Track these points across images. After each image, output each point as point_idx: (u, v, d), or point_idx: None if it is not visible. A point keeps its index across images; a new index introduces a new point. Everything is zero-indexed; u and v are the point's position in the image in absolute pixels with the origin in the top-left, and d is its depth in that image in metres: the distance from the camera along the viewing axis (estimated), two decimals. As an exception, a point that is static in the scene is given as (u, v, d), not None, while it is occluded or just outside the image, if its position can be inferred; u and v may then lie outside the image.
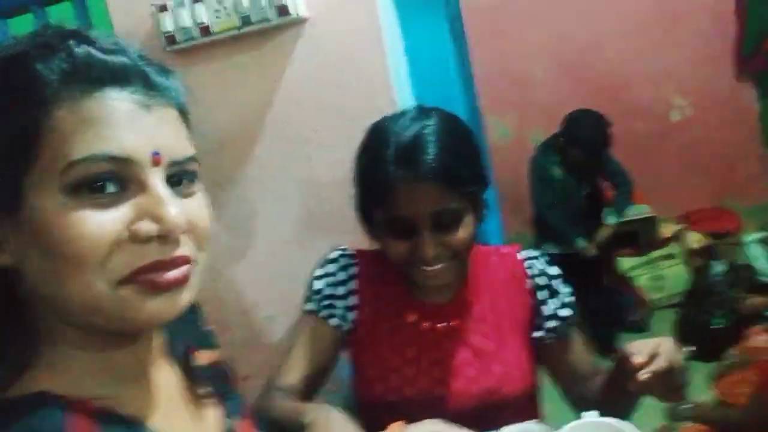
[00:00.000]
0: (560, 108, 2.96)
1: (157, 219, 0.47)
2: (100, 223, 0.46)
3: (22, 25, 1.61)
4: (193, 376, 0.62)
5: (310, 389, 1.04)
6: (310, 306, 1.05)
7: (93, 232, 0.46)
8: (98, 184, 0.46)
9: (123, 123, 0.47)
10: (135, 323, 0.50)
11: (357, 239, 1.06)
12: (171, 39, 1.28)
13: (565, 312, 1.02)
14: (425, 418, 0.91)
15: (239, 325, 1.53)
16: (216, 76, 1.33)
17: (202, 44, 1.30)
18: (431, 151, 0.87)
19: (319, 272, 1.06)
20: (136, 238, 0.47)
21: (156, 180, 0.48)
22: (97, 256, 0.46)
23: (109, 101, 0.47)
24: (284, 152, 1.39)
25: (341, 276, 1.05)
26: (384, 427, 0.80)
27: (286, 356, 1.05)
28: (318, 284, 1.05)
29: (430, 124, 0.90)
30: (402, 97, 1.25)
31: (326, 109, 1.28)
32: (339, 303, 1.04)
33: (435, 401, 0.98)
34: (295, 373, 1.03)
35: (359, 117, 1.17)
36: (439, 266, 0.91)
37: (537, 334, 1.03)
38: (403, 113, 0.94)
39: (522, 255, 1.06)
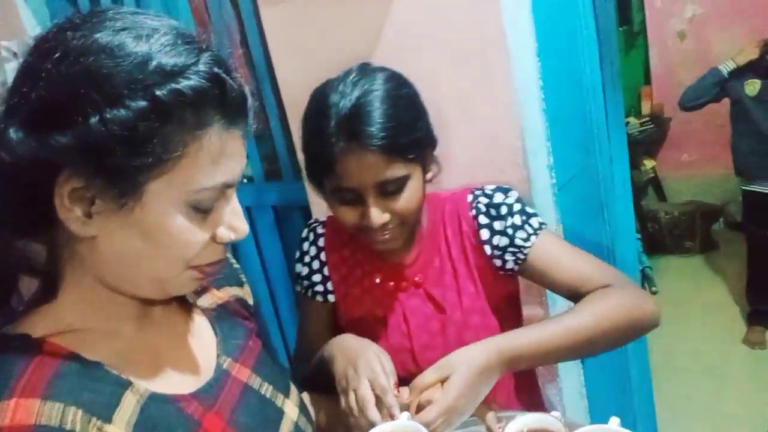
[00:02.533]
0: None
1: (234, 228, 0.59)
2: (201, 234, 0.57)
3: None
4: (193, 313, 0.72)
5: None
6: (297, 288, 1.12)
7: (196, 241, 0.57)
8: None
9: (238, 156, 0.57)
10: (177, 294, 0.63)
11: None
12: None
13: (522, 235, 0.96)
14: (402, 372, 0.95)
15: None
16: (331, 5, 1.30)
17: None
18: (373, 121, 0.85)
19: (297, 254, 1.11)
20: (216, 240, 0.59)
21: (235, 196, 0.60)
22: (190, 254, 0.57)
23: (236, 137, 0.57)
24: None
25: (312, 251, 1.09)
26: None
27: (297, 339, 1.13)
28: (297, 266, 1.10)
29: (372, 90, 0.87)
30: (517, 24, 1.17)
31: (434, 36, 1.23)
32: (316, 278, 1.08)
33: (407, 356, 1.00)
34: (308, 351, 1.07)
35: (467, 43, 1.19)
36: (389, 231, 0.91)
37: (500, 267, 1.00)
38: (345, 75, 0.90)
39: (470, 196, 1.02)
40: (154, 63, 0.51)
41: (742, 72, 2.81)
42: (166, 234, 0.55)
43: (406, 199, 0.90)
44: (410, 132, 0.89)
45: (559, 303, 1.24)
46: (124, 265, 0.57)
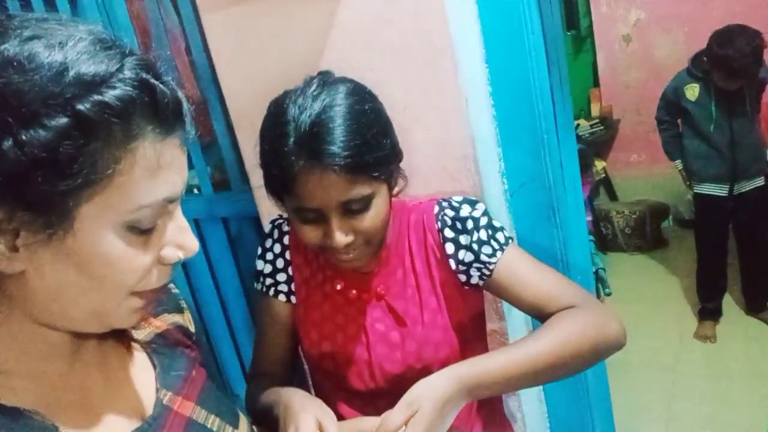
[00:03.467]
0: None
1: (181, 246, 0.54)
2: (144, 257, 0.51)
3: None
4: (131, 346, 0.66)
5: (288, 368, 1.06)
6: (258, 287, 1.07)
7: (139, 266, 0.51)
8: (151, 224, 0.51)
9: (178, 167, 0.52)
10: (120, 327, 0.56)
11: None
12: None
13: (487, 251, 0.94)
14: (359, 384, 0.98)
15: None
16: (275, 9, 1.27)
17: None
18: (335, 139, 0.79)
19: (259, 250, 1.06)
20: (162, 262, 0.53)
21: (180, 210, 0.55)
22: (134, 281, 0.52)
23: (174, 146, 0.51)
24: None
25: (277, 249, 1.05)
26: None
27: (255, 342, 1.08)
28: (259, 264, 1.06)
29: (333, 104, 0.82)
30: (464, 31, 1.16)
31: (382, 43, 1.21)
32: (280, 276, 1.04)
33: (364, 368, 0.98)
34: (267, 357, 1.05)
35: (415, 51, 1.17)
36: (353, 251, 0.88)
37: (464, 281, 0.97)
38: (305, 87, 0.85)
39: (436, 207, 0.98)
40: (71, 73, 0.45)
41: (683, 76, 2.87)
42: (105, 262, 0.49)
43: (372, 218, 0.86)
44: (375, 149, 0.83)
45: (514, 312, 1.24)
46: (60, 300, 0.50)
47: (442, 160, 1.25)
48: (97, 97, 0.45)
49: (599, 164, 4.17)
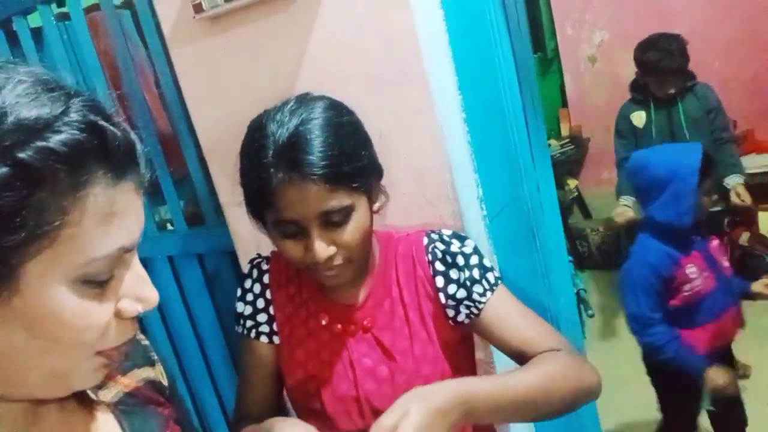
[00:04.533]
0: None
1: (141, 299, 0.50)
2: (101, 312, 0.47)
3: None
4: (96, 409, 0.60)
5: (273, 412, 1.02)
6: (239, 329, 1.04)
7: (96, 323, 0.47)
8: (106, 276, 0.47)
9: (133, 213, 0.48)
10: (81, 388, 0.52)
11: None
12: (198, 7, 1.23)
13: (478, 290, 0.94)
14: (347, 424, 0.95)
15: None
16: (244, 42, 1.26)
17: (228, 10, 1.24)
18: (313, 149, 0.81)
19: (239, 292, 1.04)
20: (119, 316, 0.49)
21: (137, 259, 0.50)
22: (91, 339, 0.47)
23: (127, 191, 0.47)
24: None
25: (257, 288, 1.03)
26: None
27: (238, 387, 1.05)
28: (239, 305, 1.04)
29: (311, 118, 0.84)
30: (436, 58, 1.17)
31: (354, 73, 1.21)
32: (261, 317, 1.02)
33: (352, 406, 0.95)
34: (251, 401, 1.02)
35: (387, 80, 1.17)
36: (336, 266, 0.87)
37: (451, 317, 0.96)
38: (283, 105, 0.87)
39: (426, 239, 0.98)
40: (10, 119, 0.41)
41: (628, 105, 2.87)
42: (57, 322, 0.44)
43: (352, 231, 0.85)
44: (353, 160, 0.84)
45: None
46: (13, 366, 0.46)
47: (420, 188, 1.24)
48: (40, 144, 0.41)
49: (572, 183, 4.23)
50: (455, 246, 0.97)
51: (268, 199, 0.83)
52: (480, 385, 0.82)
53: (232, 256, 1.45)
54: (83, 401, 0.59)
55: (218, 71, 1.28)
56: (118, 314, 0.49)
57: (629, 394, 2.77)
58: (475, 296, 0.94)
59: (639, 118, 2.82)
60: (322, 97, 0.89)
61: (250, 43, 1.26)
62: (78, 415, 0.58)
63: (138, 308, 0.50)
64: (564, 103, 4.55)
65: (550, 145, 4.15)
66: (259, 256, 1.06)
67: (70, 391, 0.51)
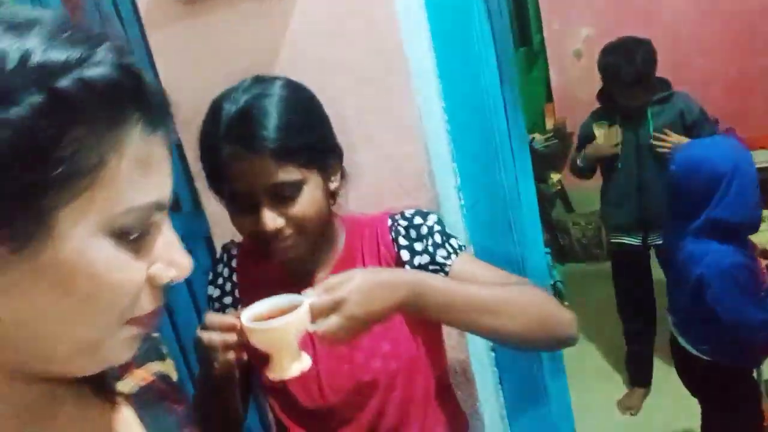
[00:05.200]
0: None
1: (173, 263, 0.46)
2: (137, 268, 0.43)
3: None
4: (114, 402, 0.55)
5: (245, 394, 1.03)
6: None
7: (133, 279, 0.43)
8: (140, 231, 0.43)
9: (166, 168, 0.45)
10: (114, 362, 0.47)
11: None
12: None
13: (442, 253, 0.95)
14: (308, 402, 0.97)
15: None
16: (223, 26, 1.25)
17: None
18: (261, 124, 0.83)
19: (210, 275, 1.06)
20: (153, 283, 0.45)
21: (169, 223, 0.47)
22: (128, 300, 0.43)
23: (161, 145, 0.44)
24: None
25: (225, 272, 1.05)
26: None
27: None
28: (210, 289, 1.06)
29: (264, 94, 0.86)
30: (417, 47, 1.17)
31: (332, 62, 1.21)
32: (227, 299, 1.04)
33: (313, 384, 0.97)
34: None
35: (367, 68, 1.16)
36: (286, 240, 0.88)
37: None
38: (241, 83, 0.90)
39: (389, 220, 1.00)
40: (44, 55, 0.38)
41: (593, 116, 2.57)
42: (92, 276, 0.40)
43: (303, 205, 0.86)
44: (303, 136, 0.86)
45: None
46: (37, 335, 0.41)
47: (397, 176, 1.24)
48: (77, 74, 0.38)
49: (555, 176, 4.24)
50: (418, 220, 0.99)
51: (220, 173, 0.86)
52: (436, 278, 0.87)
53: (208, 242, 1.44)
54: (100, 392, 0.54)
55: (195, 55, 1.26)
56: (150, 281, 0.45)
57: (598, 383, 2.81)
58: (440, 259, 0.95)
59: (601, 130, 2.48)
60: (278, 77, 0.91)
61: (227, 28, 1.25)
62: (96, 407, 0.53)
63: (171, 274, 0.46)
64: (549, 97, 4.56)
65: (534, 138, 4.16)
66: (232, 242, 1.07)
67: (102, 366, 0.47)
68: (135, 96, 0.42)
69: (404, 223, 0.99)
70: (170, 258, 0.46)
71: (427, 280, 0.85)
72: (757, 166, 1.69)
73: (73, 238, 0.39)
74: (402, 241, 0.97)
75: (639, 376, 2.72)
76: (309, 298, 0.77)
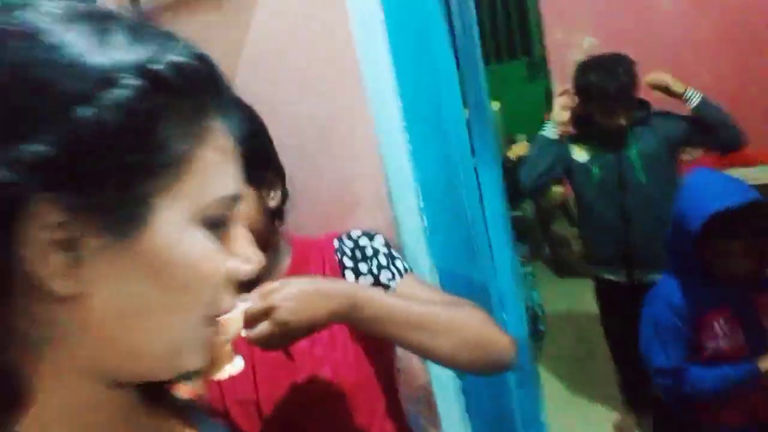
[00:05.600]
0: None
1: (248, 259, 0.45)
2: (222, 260, 0.42)
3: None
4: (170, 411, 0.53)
5: None
6: None
7: (220, 271, 0.42)
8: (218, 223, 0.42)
9: (236, 160, 0.44)
10: (189, 368, 0.44)
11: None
12: (134, -1, 1.22)
13: (386, 275, 0.95)
14: (250, 429, 0.94)
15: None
16: (183, 36, 1.23)
17: (164, 4, 1.23)
18: None
19: None
20: (231, 279, 0.44)
21: (238, 216, 0.46)
22: (213, 294, 0.42)
23: (230, 136, 0.43)
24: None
25: None
26: None
27: None
28: None
29: None
30: (374, 62, 1.15)
31: (290, 77, 1.20)
32: None
33: (253, 410, 0.95)
34: None
35: (324, 81, 1.15)
36: None
37: None
38: None
39: (336, 242, 0.99)
40: (134, 42, 0.38)
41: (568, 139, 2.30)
42: (187, 265, 0.39)
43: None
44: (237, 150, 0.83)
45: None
46: (133, 330, 0.39)
47: (355, 196, 1.21)
48: (169, 59, 0.38)
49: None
50: (364, 241, 0.98)
51: None
52: (373, 290, 0.86)
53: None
54: (162, 403, 0.52)
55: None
56: (231, 276, 0.44)
57: (588, 405, 2.74)
58: (383, 280, 0.94)
59: (580, 149, 2.28)
60: None
61: (188, 38, 1.23)
62: (167, 419, 0.51)
63: (248, 268, 0.45)
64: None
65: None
66: None
67: (179, 371, 0.44)
68: (213, 84, 0.42)
69: (350, 244, 0.98)
70: (244, 252, 0.45)
71: (364, 291, 0.84)
72: (757, 183, 1.61)
73: (169, 226, 0.38)
74: (347, 262, 0.97)
75: (635, 400, 2.59)
76: (245, 303, 0.75)
